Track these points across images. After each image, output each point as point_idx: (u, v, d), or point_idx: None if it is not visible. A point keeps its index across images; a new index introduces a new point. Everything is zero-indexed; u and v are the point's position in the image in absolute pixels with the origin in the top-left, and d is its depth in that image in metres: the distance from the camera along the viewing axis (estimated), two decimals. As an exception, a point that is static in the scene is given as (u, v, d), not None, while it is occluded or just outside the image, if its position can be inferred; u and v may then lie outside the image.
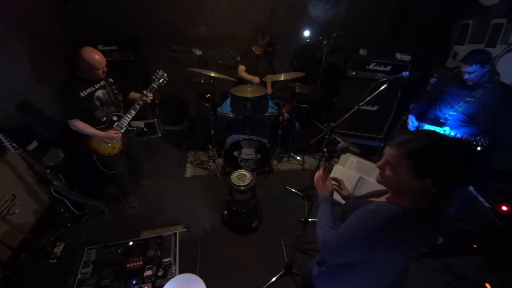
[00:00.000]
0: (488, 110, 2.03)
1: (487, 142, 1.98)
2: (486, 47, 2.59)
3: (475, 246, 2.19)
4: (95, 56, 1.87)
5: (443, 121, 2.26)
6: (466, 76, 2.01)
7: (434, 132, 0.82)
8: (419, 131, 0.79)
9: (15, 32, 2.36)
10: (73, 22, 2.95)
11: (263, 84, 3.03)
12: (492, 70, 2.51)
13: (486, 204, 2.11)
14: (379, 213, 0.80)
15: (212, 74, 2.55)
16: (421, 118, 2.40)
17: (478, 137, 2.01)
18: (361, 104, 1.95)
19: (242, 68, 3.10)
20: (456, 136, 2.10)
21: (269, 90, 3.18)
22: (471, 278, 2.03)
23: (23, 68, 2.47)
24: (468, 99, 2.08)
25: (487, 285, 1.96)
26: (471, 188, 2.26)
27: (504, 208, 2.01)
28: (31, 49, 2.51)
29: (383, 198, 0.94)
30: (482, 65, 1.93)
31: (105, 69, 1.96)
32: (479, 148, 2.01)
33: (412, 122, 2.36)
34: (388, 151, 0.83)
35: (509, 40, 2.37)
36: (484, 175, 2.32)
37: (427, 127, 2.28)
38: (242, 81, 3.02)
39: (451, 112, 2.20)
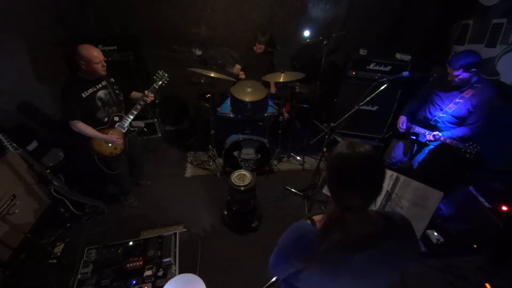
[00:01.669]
0: (479, 110, 1.99)
1: (475, 150, 1.95)
2: (486, 47, 2.59)
3: (475, 246, 2.19)
4: (92, 50, 1.86)
5: (433, 123, 2.24)
6: (449, 78, 1.99)
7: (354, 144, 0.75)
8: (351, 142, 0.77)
9: (15, 32, 2.36)
10: (73, 22, 2.95)
11: (265, 84, 3.04)
12: (492, 70, 2.51)
13: (486, 204, 2.11)
14: (295, 228, 0.85)
15: (212, 74, 2.55)
16: (412, 119, 2.38)
17: (466, 144, 1.98)
18: (361, 104, 1.95)
19: (238, 67, 3.10)
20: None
21: (273, 90, 3.18)
22: (471, 278, 2.03)
23: (23, 68, 2.48)
24: (457, 100, 2.05)
25: (487, 285, 1.96)
26: (471, 188, 2.26)
27: (504, 208, 2.01)
28: (31, 49, 2.51)
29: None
30: (465, 70, 1.89)
31: (104, 64, 1.95)
32: (467, 156, 1.98)
33: (402, 124, 2.33)
34: None
35: (509, 40, 2.36)
36: (484, 175, 2.33)
37: (418, 128, 2.26)
38: (239, 79, 3.03)
39: (440, 114, 2.16)
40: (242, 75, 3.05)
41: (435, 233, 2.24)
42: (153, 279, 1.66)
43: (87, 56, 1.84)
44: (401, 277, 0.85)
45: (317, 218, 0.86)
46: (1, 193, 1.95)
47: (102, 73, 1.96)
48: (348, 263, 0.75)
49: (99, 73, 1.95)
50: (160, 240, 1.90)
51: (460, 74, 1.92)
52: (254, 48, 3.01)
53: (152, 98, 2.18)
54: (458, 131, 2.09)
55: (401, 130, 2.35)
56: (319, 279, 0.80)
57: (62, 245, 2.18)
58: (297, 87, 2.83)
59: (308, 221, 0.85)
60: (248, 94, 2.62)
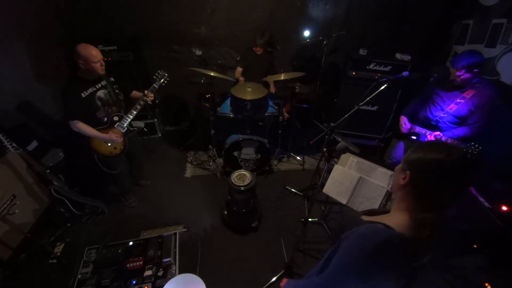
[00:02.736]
0: (480, 110, 1.99)
1: (476, 150, 1.94)
2: (486, 47, 2.59)
3: (475, 246, 2.19)
4: (90, 49, 1.87)
5: (434, 123, 2.24)
6: (451, 77, 1.99)
7: (446, 146, 0.72)
8: (439, 143, 0.74)
9: (15, 32, 2.36)
10: (73, 22, 2.95)
11: (265, 84, 3.03)
12: (492, 70, 2.51)
13: (486, 204, 2.11)
14: (368, 238, 0.73)
15: (212, 74, 2.55)
16: (412, 119, 2.37)
17: (468, 144, 1.97)
18: (361, 104, 1.95)
19: (239, 70, 3.10)
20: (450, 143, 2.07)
21: (272, 89, 3.18)
22: (471, 278, 2.03)
23: (23, 68, 2.48)
24: (458, 100, 2.04)
25: (487, 285, 1.96)
26: (471, 188, 2.26)
27: (504, 208, 2.01)
28: (31, 49, 2.51)
29: (381, 216, 0.87)
30: (467, 71, 1.89)
31: (103, 63, 1.95)
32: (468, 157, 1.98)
33: (405, 124, 2.33)
34: None
35: (509, 40, 2.37)
36: (484, 175, 2.32)
37: (419, 129, 2.26)
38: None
39: (441, 115, 2.16)
40: (242, 81, 3.04)
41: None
42: (153, 279, 1.66)
43: (85, 55, 1.85)
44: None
45: (383, 219, 0.78)
46: (1, 193, 1.95)
47: (101, 72, 1.96)
48: (407, 264, 0.74)
49: (98, 72, 1.94)
50: (160, 240, 1.90)
51: (463, 75, 1.91)
52: (254, 48, 3.01)
53: (152, 98, 2.18)
54: (459, 131, 2.09)
55: (404, 130, 2.33)
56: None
57: (62, 245, 2.18)
58: (297, 87, 2.83)
59: (380, 225, 0.75)
60: (248, 93, 2.63)
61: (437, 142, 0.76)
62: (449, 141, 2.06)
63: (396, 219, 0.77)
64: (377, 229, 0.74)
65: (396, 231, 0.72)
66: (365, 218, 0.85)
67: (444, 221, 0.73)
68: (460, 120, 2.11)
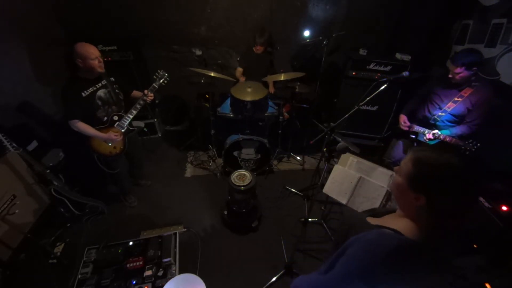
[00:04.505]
0: (478, 109, 2.01)
1: (475, 147, 1.96)
2: (486, 47, 2.59)
3: (475, 246, 2.19)
4: (87, 47, 1.88)
5: (432, 122, 2.25)
6: (450, 75, 2.01)
7: (453, 153, 0.69)
8: (440, 145, 0.73)
9: (15, 32, 2.36)
10: (73, 22, 2.95)
11: (264, 84, 3.03)
12: (492, 70, 2.51)
13: (486, 204, 2.11)
14: (379, 244, 0.72)
15: (212, 74, 2.55)
16: (411, 118, 2.39)
17: (466, 142, 1.99)
18: (361, 104, 1.95)
19: (239, 70, 3.10)
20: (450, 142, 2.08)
21: (272, 90, 3.18)
22: (471, 278, 2.03)
23: (23, 68, 2.48)
24: (456, 99, 2.07)
25: (487, 285, 1.96)
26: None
27: (504, 208, 2.01)
28: (31, 50, 2.51)
29: (386, 218, 0.86)
30: (467, 68, 1.91)
31: (101, 60, 1.95)
32: (467, 153, 1.99)
33: (404, 123, 2.35)
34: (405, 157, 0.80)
35: (509, 40, 2.36)
36: (484, 175, 2.32)
37: (417, 127, 2.27)
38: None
39: (439, 113, 2.18)
40: (243, 80, 3.03)
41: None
42: (153, 279, 1.65)
43: (82, 52, 1.85)
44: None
45: (390, 223, 0.77)
46: (1, 193, 1.95)
47: (99, 69, 1.95)
48: (424, 274, 0.72)
49: (96, 70, 1.94)
50: (160, 240, 1.90)
51: (462, 72, 1.93)
52: (254, 48, 3.01)
53: (152, 98, 2.18)
54: (457, 130, 2.10)
55: (404, 128, 2.35)
56: None
57: (62, 245, 2.18)
58: (297, 87, 2.83)
59: (389, 231, 0.74)
60: (248, 94, 2.63)
61: (437, 153, 0.71)
62: (447, 139, 2.08)
63: (404, 224, 0.76)
64: (387, 235, 0.73)
65: (406, 236, 0.72)
66: (371, 220, 0.84)
67: (457, 228, 0.72)
68: (458, 119, 2.13)
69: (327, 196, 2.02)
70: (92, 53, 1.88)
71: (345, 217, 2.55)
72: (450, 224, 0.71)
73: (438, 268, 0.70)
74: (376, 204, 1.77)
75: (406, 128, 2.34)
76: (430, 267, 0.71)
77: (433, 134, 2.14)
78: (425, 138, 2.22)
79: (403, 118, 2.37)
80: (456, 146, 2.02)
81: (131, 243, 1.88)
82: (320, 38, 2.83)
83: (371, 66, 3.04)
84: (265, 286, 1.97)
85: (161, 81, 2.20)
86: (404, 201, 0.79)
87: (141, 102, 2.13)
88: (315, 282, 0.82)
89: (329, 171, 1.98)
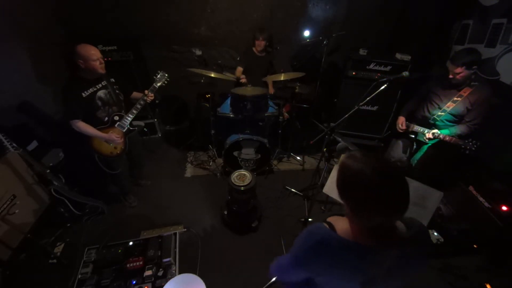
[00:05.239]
0: (477, 108, 2.02)
1: (475, 146, 1.96)
2: (486, 47, 2.59)
3: (475, 246, 2.19)
4: (89, 48, 1.88)
5: (431, 121, 2.25)
6: (450, 76, 2.01)
7: (370, 163, 0.71)
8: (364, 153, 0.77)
9: (15, 32, 2.36)
10: (73, 22, 2.95)
11: (264, 84, 3.03)
12: (492, 70, 2.51)
13: (486, 204, 2.11)
14: (311, 235, 0.82)
15: (212, 74, 2.55)
16: (410, 118, 2.39)
17: (466, 140, 1.99)
18: (361, 104, 1.95)
19: (240, 69, 3.10)
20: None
21: (271, 90, 3.18)
22: (471, 278, 2.03)
23: (23, 68, 2.47)
24: (455, 98, 2.07)
25: (487, 285, 1.96)
26: (471, 188, 2.26)
27: (504, 208, 2.01)
28: (31, 49, 2.51)
29: (339, 217, 0.92)
30: (467, 68, 1.91)
31: (102, 62, 1.95)
32: (467, 152, 1.99)
33: (401, 125, 2.36)
34: None
35: (509, 40, 2.37)
36: (484, 175, 2.32)
37: (417, 127, 2.28)
38: (241, 84, 3.02)
39: (439, 113, 2.18)
40: (243, 80, 3.04)
41: (435, 233, 2.24)
42: (153, 279, 1.66)
43: (84, 54, 1.85)
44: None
45: (335, 222, 0.84)
46: (1, 193, 1.95)
47: (100, 70, 1.96)
48: (356, 271, 0.76)
49: (97, 71, 1.94)
50: (160, 240, 1.90)
51: (462, 72, 1.94)
52: (254, 48, 3.01)
53: (152, 98, 2.19)
54: (457, 129, 2.11)
55: (400, 131, 2.38)
56: (337, 283, 0.80)
57: (62, 245, 2.18)
58: (297, 87, 2.83)
59: (325, 225, 0.83)
60: (249, 91, 2.64)
61: (353, 155, 0.76)
62: (447, 139, 2.08)
63: (342, 224, 0.82)
64: (320, 229, 0.82)
65: (337, 234, 0.79)
66: (331, 218, 0.89)
67: (388, 232, 0.76)
68: (457, 118, 2.13)
69: (327, 196, 2.02)
70: (93, 54, 1.89)
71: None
72: (381, 231, 0.75)
73: (365, 267, 0.75)
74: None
75: (402, 131, 2.37)
76: (357, 264, 0.76)
77: (433, 133, 2.14)
78: (424, 138, 2.22)
79: (401, 120, 2.39)
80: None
81: (131, 243, 1.89)
82: (320, 38, 2.84)
83: (371, 66, 3.04)
84: (265, 286, 1.96)
85: (161, 81, 2.20)
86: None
87: (142, 102, 2.14)
88: (280, 262, 0.95)
89: (329, 171, 1.98)
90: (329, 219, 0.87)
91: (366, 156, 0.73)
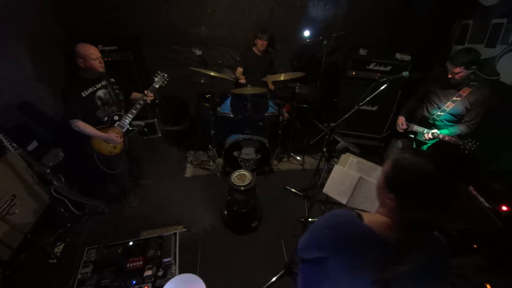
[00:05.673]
0: (477, 108, 2.02)
1: (474, 146, 1.96)
2: (486, 47, 2.59)
3: (475, 246, 2.19)
4: (88, 48, 1.89)
5: (431, 121, 2.25)
6: (449, 75, 2.01)
7: (428, 160, 0.73)
8: (421, 152, 0.80)
9: (15, 32, 2.36)
10: (73, 22, 2.95)
11: (264, 84, 3.03)
12: (492, 70, 2.51)
13: (486, 204, 2.11)
14: (335, 216, 0.83)
15: (212, 74, 2.55)
16: (410, 118, 2.39)
17: (465, 141, 1.99)
18: (361, 104, 1.95)
19: (239, 70, 3.10)
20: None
21: (271, 86, 3.18)
22: (471, 278, 2.03)
23: (23, 68, 2.47)
24: (454, 98, 2.07)
25: (487, 285, 1.96)
26: (471, 188, 2.26)
27: (504, 208, 2.01)
28: (31, 49, 2.51)
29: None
30: (466, 67, 1.92)
31: (102, 61, 1.96)
32: (466, 152, 1.99)
33: (401, 125, 2.36)
34: None
35: (509, 40, 2.37)
36: (484, 175, 2.32)
37: (416, 127, 2.28)
38: (240, 84, 3.02)
39: (438, 113, 2.18)
40: (242, 80, 3.04)
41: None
42: (153, 279, 1.65)
43: (84, 53, 1.86)
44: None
45: (363, 214, 0.83)
46: (1, 193, 1.95)
47: (100, 69, 1.96)
48: (373, 263, 0.75)
49: (97, 70, 1.95)
50: (160, 240, 1.90)
51: (461, 72, 1.94)
52: (254, 48, 3.01)
53: (152, 98, 2.19)
54: (456, 129, 2.11)
55: (400, 131, 2.38)
56: (338, 269, 0.79)
57: (62, 245, 2.18)
58: (297, 87, 2.83)
59: (355, 213, 0.83)
60: (248, 90, 2.64)
61: (411, 157, 0.76)
62: (446, 139, 2.08)
63: (370, 216, 0.82)
64: (349, 214, 0.81)
65: (366, 224, 0.78)
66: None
67: (423, 231, 0.77)
68: (456, 118, 2.13)
69: (327, 196, 2.01)
70: (93, 54, 1.89)
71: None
72: (419, 230, 0.75)
73: (383, 264, 0.74)
74: (376, 204, 1.77)
75: (402, 131, 2.36)
76: (375, 258, 0.75)
77: (432, 133, 2.14)
78: (424, 137, 2.22)
79: (401, 120, 2.39)
80: (450, 149, 2.02)
81: (131, 243, 1.88)
82: (320, 38, 2.84)
83: (371, 66, 3.05)
84: (265, 286, 1.97)
85: (161, 81, 2.20)
86: (380, 198, 0.84)
87: (141, 102, 2.14)
88: (304, 237, 0.93)
89: (329, 171, 1.98)
90: (362, 212, 0.86)
91: (422, 155, 0.76)
